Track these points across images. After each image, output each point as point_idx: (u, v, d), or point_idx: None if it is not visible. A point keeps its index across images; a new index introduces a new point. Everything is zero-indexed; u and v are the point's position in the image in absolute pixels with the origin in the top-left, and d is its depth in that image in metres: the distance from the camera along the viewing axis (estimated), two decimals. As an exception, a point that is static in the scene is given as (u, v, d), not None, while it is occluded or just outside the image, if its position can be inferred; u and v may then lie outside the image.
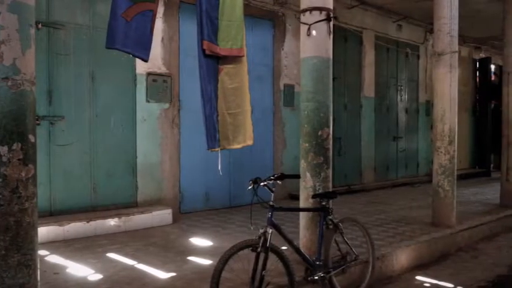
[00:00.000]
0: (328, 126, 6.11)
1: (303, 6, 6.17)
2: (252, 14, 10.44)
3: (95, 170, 8.35)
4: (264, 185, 4.80)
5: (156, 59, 8.97)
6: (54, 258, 6.36)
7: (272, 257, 4.68)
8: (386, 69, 14.72)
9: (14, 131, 3.39)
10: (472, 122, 19.17)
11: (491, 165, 19.13)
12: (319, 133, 6.03)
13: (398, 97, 15.32)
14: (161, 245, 7.22)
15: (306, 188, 6.08)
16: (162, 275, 5.76)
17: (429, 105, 15.62)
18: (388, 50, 14.73)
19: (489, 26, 15.00)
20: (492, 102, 19.10)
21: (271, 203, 4.79)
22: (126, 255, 6.60)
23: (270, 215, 4.74)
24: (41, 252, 6.30)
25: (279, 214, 4.99)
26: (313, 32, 6.02)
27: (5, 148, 3.34)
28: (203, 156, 8.61)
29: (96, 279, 5.59)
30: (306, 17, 6.08)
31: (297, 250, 5.20)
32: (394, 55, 15.01)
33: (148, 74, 8.91)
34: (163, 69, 9.15)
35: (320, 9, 6.01)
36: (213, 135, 5.94)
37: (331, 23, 6.13)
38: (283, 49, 11.52)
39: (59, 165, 7.93)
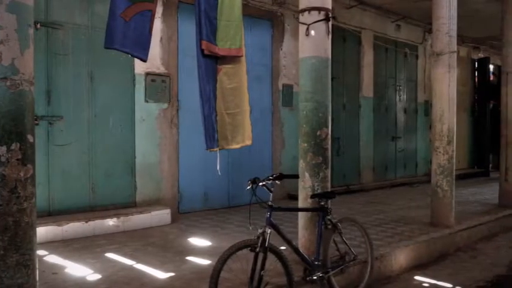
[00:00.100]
0: (327, 126, 6.11)
1: (301, 6, 6.17)
2: (251, 14, 10.45)
3: (93, 170, 8.34)
4: (263, 185, 4.80)
5: (155, 59, 8.96)
6: (53, 258, 6.36)
7: (271, 257, 4.68)
8: (385, 69, 14.72)
9: (12, 131, 3.39)
10: (471, 122, 19.18)
11: (490, 165, 19.14)
12: (318, 133, 6.03)
13: (397, 97, 15.33)
14: (160, 245, 7.22)
15: (305, 188, 6.08)
16: (161, 275, 5.76)
17: (428, 105, 15.63)
18: (386, 50, 14.74)
19: (488, 26, 15.02)
20: (491, 102, 19.12)
21: (269, 203, 4.79)
22: (124, 255, 6.59)
23: (268, 215, 4.74)
24: (40, 252, 6.29)
25: (277, 214, 4.99)
26: (312, 32, 6.02)
27: (4, 148, 3.34)
28: (202, 156, 8.62)
29: (95, 279, 5.59)
30: (305, 17, 6.08)
31: (296, 250, 5.20)
32: (392, 55, 15.02)
33: (147, 74, 8.91)
34: (162, 69, 9.14)
35: (319, 9, 6.01)
36: (212, 135, 5.94)
37: (330, 23, 6.13)
38: (281, 49, 11.52)
39: (57, 165, 7.93)
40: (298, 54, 6.37)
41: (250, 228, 4.89)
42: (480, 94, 19.18)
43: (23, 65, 3.46)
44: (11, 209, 3.37)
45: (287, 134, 11.55)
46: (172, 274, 5.77)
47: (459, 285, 6.34)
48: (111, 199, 8.54)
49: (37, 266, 3.63)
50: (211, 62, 5.97)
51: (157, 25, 8.91)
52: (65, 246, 7.03)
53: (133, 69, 8.77)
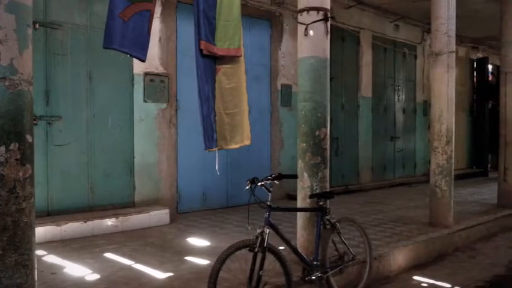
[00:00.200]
0: (326, 126, 6.11)
1: (300, 6, 6.17)
2: (250, 14, 10.45)
3: (92, 170, 8.34)
4: (262, 185, 4.80)
5: (154, 59, 8.96)
6: (52, 258, 6.36)
7: (269, 257, 4.68)
8: (383, 69, 14.73)
9: (11, 131, 3.39)
10: (470, 122, 19.19)
11: (489, 165, 19.16)
12: (317, 133, 6.03)
13: (396, 97, 15.33)
14: (158, 245, 7.22)
15: (304, 188, 6.08)
16: (160, 275, 5.76)
17: (426, 105, 15.65)
18: (385, 50, 14.74)
19: (486, 26, 15.03)
20: (489, 102, 19.11)
21: (268, 203, 4.79)
22: (123, 255, 6.59)
23: (267, 215, 4.75)
24: (39, 252, 6.29)
25: (276, 214, 5.01)
26: (311, 32, 6.02)
27: (3, 148, 3.34)
28: (200, 156, 8.60)
29: (94, 279, 5.59)
30: (303, 17, 6.08)
31: (295, 250, 5.20)
32: (391, 55, 15.03)
33: (146, 74, 8.91)
34: (160, 69, 9.14)
35: (317, 9, 6.01)
36: (211, 135, 5.94)
37: (329, 23, 6.13)
38: (280, 49, 11.53)
39: (56, 165, 7.93)
40: (297, 54, 6.38)
41: (249, 228, 4.90)
42: (479, 94, 19.19)
43: (22, 65, 3.45)
44: (9, 209, 3.36)
45: (286, 134, 11.56)
46: (171, 274, 5.77)
47: (458, 285, 6.35)
48: (109, 199, 8.54)
49: (36, 266, 3.63)
50: (210, 62, 5.97)
51: (156, 25, 8.91)
52: (63, 246, 7.02)
53: (132, 69, 8.77)
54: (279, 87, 11.50)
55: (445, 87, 8.45)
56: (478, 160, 19.14)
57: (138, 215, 8.29)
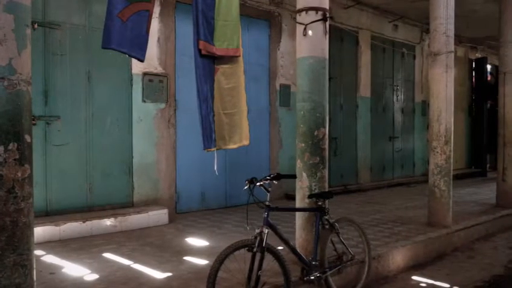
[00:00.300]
0: (324, 126, 6.11)
1: (299, 6, 6.17)
2: (248, 14, 10.46)
3: (91, 170, 8.34)
4: (260, 185, 4.81)
5: (152, 59, 8.96)
6: (50, 258, 6.36)
7: (268, 257, 4.68)
8: (382, 69, 14.74)
9: (10, 131, 3.38)
10: (468, 122, 19.21)
11: (488, 165, 19.18)
12: (315, 133, 6.03)
13: (394, 97, 15.34)
14: (157, 245, 7.22)
15: (302, 188, 6.08)
16: (158, 275, 5.76)
17: (425, 105, 15.66)
18: (384, 50, 14.76)
19: (485, 26, 15.04)
20: (488, 102, 19.14)
21: (267, 203, 4.79)
22: (122, 255, 6.59)
23: (266, 215, 4.75)
24: (37, 252, 6.29)
25: (275, 214, 5.00)
26: (309, 32, 6.02)
27: (1, 148, 3.34)
28: (199, 156, 8.61)
29: (92, 279, 5.59)
30: (302, 17, 6.08)
31: (293, 250, 5.20)
32: (390, 55, 15.03)
33: (145, 74, 8.91)
34: (159, 69, 9.14)
35: (316, 9, 6.01)
36: (209, 135, 5.94)
37: (327, 23, 6.13)
38: (279, 49, 11.53)
39: (55, 165, 7.93)
40: (295, 54, 6.38)
41: (248, 228, 4.90)
42: (477, 94, 19.21)
43: (21, 65, 3.45)
44: (8, 209, 3.36)
45: (284, 134, 11.56)
46: (169, 274, 5.77)
47: (456, 286, 6.35)
48: (108, 199, 8.54)
49: (34, 266, 3.63)
50: (209, 62, 5.97)
51: (155, 25, 8.92)
52: (62, 246, 7.02)
53: (131, 69, 8.77)
54: (278, 87, 11.50)
55: (443, 87, 8.45)
56: (477, 160, 19.16)
57: (136, 215, 8.29)
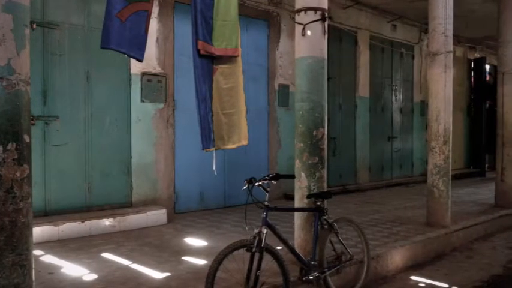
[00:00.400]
0: (323, 126, 6.11)
1: (297, 6, 6.17)
2: (247, 14, 10.46)
3: (89, 170, 8.34)
4: (259, 185, 4.81)
5: (151, 59, 8.96)
6: (49, 258, 6.36)
7: (267, 257, 4.68)
8: (381, 69, 14.74)
9: (8, 131, 3.39)
10: (467, 122, 19.21)
11: (486, 165, 19.17)
12: (314, 133, 6.03)
13: (393, 97, 15.34)
14: (156, 245, 7.22)
15: (301, 188, 6.08)
16: (157, 275, 5.76)
17: (424, 105, 15.68)
18: (382, 50, 14.76)
19: (484, 26, 15.04)
20: (487, 102, 19.13)
21: (266, 203, 4.80)
22: (120, 255, 6.59)
23: (264, 215, 4.75)
24: (36, 252, 6.28)
25: (273, 214, 4.99)
26: (308, 32, 6.02)
27: (0, 148, 3.34)
28: (198, 156, 8.61)
29: (91, 279, 5.59)
30: (301, 17, 6.08)
31: (292, 250, 5.20)
32: (388, 55, 15.03)
33: (143, 74, 8.91)
34: (158, 69, 9.14)
35: (315, 9, 6.01)
36: (208, 135, 5.93)
37: (326, 23, 6.13)
38: (278, 49, 11.53)
39: (53, 165, 7.92)
40: (294, 54, 6.37)
41: (247, 228, 4.90)
42: (476, 94, 19.20)
43: (19, 65, 3.45)
44: (7, 209, 3.36)
45: (283, 134, 11.56)
46: (168, 274, 5.77)
47: (455, 286, 6.35)
48: (107, 199, 8.54)
49: (33, 266, 3.63)
50: (208, 62, 5.96)
51: (154, 25, 8.92)
52: (61, 246, 7.02)
53: (130, 69, 8.77)
54: (277, 87, 11.50)
55: (442, 87, 8.45)
56: (476, 160, 19.15)
57: (135, 215, 8.29)
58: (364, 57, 13.98)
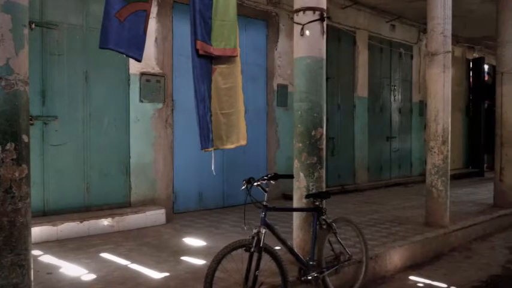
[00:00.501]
0: (322, 126, 6.11)
1: (296, 6, 6.17)
2: (246, 14, 10.46)
3: (88, 170, 8.34)
4: (258, 185, 4.80)
5: (150, 59, 8.96)
6: (48, 258, 6.35)
7: (265, 257, 4.68)
8: (379, 69, 14.75)
9: (7, 131, 3.39)
10: (466, 122, 19.22)
11: (485, 165, 19.18)
12: (313, 133, 6.03)
13: (392, 97, 15.35)
14: (155, 245, 7.22)
15: (300, 188, 6.08)
16: (156, 275, 5.76)
17: (422, 105, 15.67)
18: (381, 50, 14.76)
19: (482, 26, 15.06)
20: (485, 102, 19.15)
21: (264, 203, 4.80)
22: (119, 255, 6.59)
23: (263, 215, 4.75)
24: (35, 252, 6.29)
25: (272, 214, 4.99)
26: (307, 32, 6.02)
27: (-1, 148, 3.35)
28: (196, 156, 8.60)
29: (90, 279, 5.58)
30: (300, 17, 6.08)
31: (291, 250, 5.20)
32: (387, 55, 15.04)
33: (142, 74, 8.91)
34: (156, 69, 9.14)
35: (313, 9, 6.02)
36: (207, 135, 5.93)
37: (325, 23, 6.13)
38: (276, 49, 11.53)
39: (52, 165, 7.92)
40: (293, 54, 6.37)
41: (245, 228, 4.91)
42: (475, 94, 19.21)
43: (18, 65, 3.45)
44: (5, 209, 3.36)
45: (282, 134, 11.56)
46: (167, 274, 5.77)
47: (454, 286, 6.35)
48: (105, 199, 8.54)
49: (32, 266, 3.63)
50: (206, 62, 5.96)
51: (152, 25, 8.91)
52: (59, 246, 7.02)
53: (128, 69, 8.77)
54: (275, 87, 11.50)
55: (441, 87, 8.46)
56: (474, 160, 19.16)
57: (134, 215, 8.29)
58: (362, 57, 13.98)
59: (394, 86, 15.41)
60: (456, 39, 16.80)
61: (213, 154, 6.09)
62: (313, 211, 5.54)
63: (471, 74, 19.32)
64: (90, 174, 8.36)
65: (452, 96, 8.82)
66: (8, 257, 3.38)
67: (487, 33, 15.56)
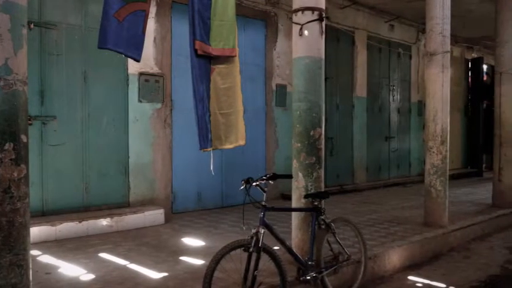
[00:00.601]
0: (321, 126, 6.11)
1: (295, 6, 6.17)
2: (244, 14, 10.46)
3: (87, 170, 8.33)
4: (256, 185, 4.80)
5: (149, 59, 8.96)
6: (46, 258, 6.35)
7: (264, 257, 4.68)
8: (378, 69, 14.75)
9: (6, 131, 3.39)
10: (464, 122, 19.22)
11: (484, 165, 19.19)
12: (312, 133, 6.03)
13: (391, 97, 15.35)
14: (153, 245, 7.22)
15: (298, 188, 6.08)
16: (155, 275, 5.75)
17: (421, 105, 15.67)
18: (380, 50, 14.76)
19: (481, 26, 15.07)
20: (484, 102, 19.17)
21: (263, 203, 4.79)
22: (118, 255, 6.59)
23: (262, 215, 4.75)
24: (33, 252, 6.28)
25: (271, 214, 5.00)
26: (305, 32, 6.02)
27: (-3, 148, 3.35)
28: (195, 156, 8.59)
29: (88, 279, 5.58)
30: (298, 17, 6.08)
31: (289, 250, 5.20)
32: (386, 55, 15.05)
33: (141, 74, 8.90)
34: (155, 69, 9.14)
35: (312, 9, 6.02)
36: (205, 135, 5.93)
37: (323, 23, 6.13)
38: (275, 49, 11.53)
39: (51, 165, 7.91)
40: (291, 54, 6.38)
41: (244, 228, 4.90)
42: (474, 94, 19.22)
43: (17, 65, 3.45)
44: (4, 209, 3.36)
45: (280, 134, 11.56)
46: (166, 274, 5.77)
47: (453, 286, 6.35)
48: (104, 199, 8.53)
49: (30, 266, 3.63)
50: (205, 62, 5.96)
51: (151, 25, 8.90)
52: (58, 246, 7.01)
53: (127, 69, 8.76)
54: (274, 87, 11.50)
55: (439, 87, 8.46)
56: (473, 160, 19.18)
57: (133, 215, 8.28)
58: (361, 57, 13.98)
59: (393, 86, 15.42)
60: (455, 39, 16.81)
61: (211, 154, 6.08)
62: (312, 211, 5.53)
63: (470, 74, 19.34)
64: (88, 174, 8.35)
65: (451, 96, 8.83)
66: (7, 257, 3.38)
67: (485, 33, 15.56)
